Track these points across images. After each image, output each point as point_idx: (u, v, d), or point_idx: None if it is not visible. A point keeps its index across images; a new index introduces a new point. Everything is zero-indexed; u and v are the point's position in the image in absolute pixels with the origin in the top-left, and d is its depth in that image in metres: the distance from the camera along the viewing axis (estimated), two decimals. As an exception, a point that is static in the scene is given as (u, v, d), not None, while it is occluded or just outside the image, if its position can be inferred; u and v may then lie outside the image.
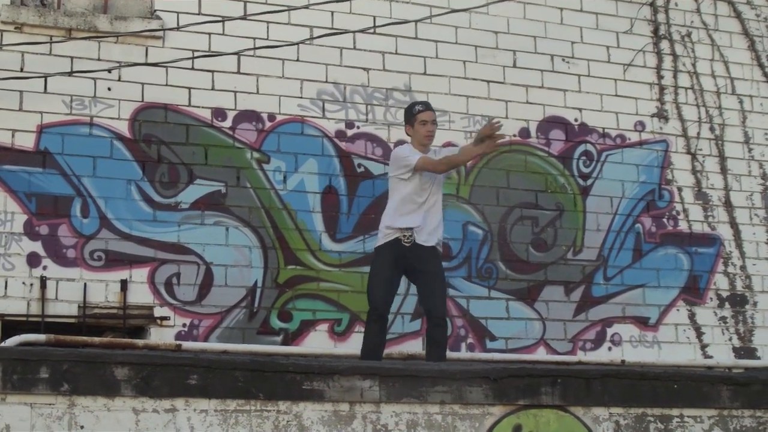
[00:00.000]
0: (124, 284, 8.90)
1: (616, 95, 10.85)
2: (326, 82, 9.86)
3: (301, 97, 9.75)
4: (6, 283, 8.68)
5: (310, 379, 6.80)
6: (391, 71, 10.10)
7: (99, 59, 9.21)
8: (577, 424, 7.30)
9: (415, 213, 8.34)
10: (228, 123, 9.48)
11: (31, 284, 8.70)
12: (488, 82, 10.39)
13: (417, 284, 8.55)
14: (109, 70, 9.18)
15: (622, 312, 10.33)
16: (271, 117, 9.62)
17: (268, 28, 9.73)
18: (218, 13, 9.54)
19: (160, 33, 9.39)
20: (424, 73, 10.18)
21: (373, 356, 8.20)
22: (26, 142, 8.90)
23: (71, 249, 8.85)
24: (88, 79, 9.12)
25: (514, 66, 10.52)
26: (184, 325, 9.03)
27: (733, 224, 10.94)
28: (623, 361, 9.84)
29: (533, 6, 10.69)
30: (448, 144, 9.83)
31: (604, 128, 10.71)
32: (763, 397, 7.83)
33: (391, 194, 8.55)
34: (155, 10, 9.47)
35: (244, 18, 9.57)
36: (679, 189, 10.84)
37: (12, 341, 7.95)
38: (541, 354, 9.89)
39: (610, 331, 10.25)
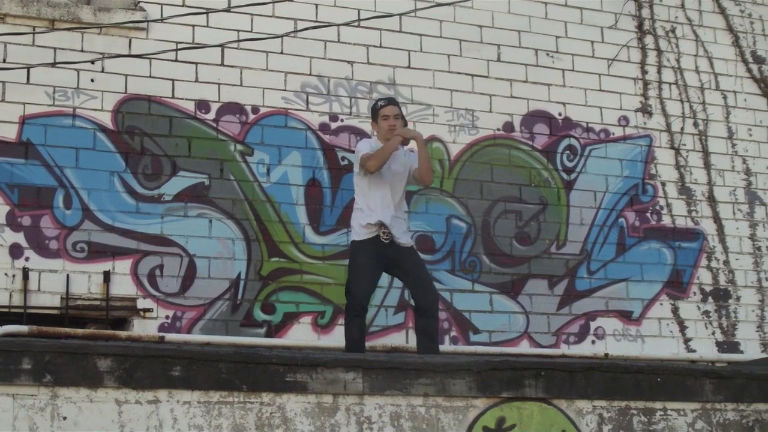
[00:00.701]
0: (107, 276, 8.86)
1: (600, 90, 10.86)
2: (310, 74, 9.85)
3: (285, 90, 9.74)
4: (-12, 274, 8.67)
5: (293, 371, 6.78)
6: (375, 64, 10.08)
7: (82, 50, 9.17)
8: (561, 416, 7.30)
9: (383, 209, 8.34)
10: (211, 115, 9.46)
11: (14, 275, 8.66)
12: (472, 75, 10.39)
13: (404, 281, 8.57)
14: (93, 62, 9.15)
15: (605, 306, 10.34)
16: (255, 109, 9.60)
17: (252, 20, 9.71)
18: (202, 5, 9.50)
19: (144, 24, 9.36)
20: (408, 67, 10.17)
21: (358, 350, 8.20)
22: (9, 133, 8.86)
23: (54, 240, 8.81)
24: (71, 70, 9.09)
25: (499, 60, 10.52)
26: (167, 317, 9.00)
27: (717, 219, 10.96)
28: (607, 355, 9.85)
29: (518, 0, 10.68)
30: (432, 137, 9.87)
31: (588, 123, 10.72)
32: (746, 391, 7.84)
33: (356, 191, 8.52)
34: (139, 2, 9.44)
35: (227, 10, 9.55)
36: (663, 184, 10.86)
37: (-6, 332, 7.94)
38: (524, 347, 9.89)
39: (593, 325, 10.26)
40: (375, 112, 8.59)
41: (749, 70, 11.53)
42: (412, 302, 8.64)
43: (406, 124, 8.76)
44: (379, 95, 9.88)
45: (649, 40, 11.16)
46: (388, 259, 8.33)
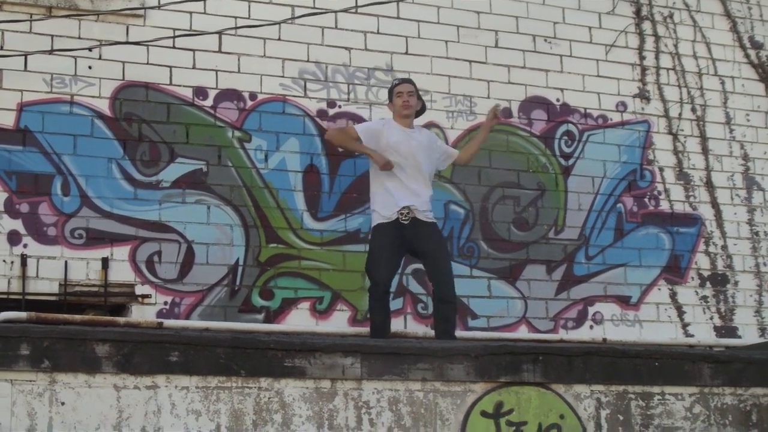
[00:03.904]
0: (105, 262, 8.87)
1: (598, 76, 10.84)
2: (308, 61, 9.84)
3: (282, 77, 9.72)
4: (-14, 260, 8.67)
5: (291, 356, 6.80)
6: (373, 51, 10.07)
7: (79, 37, 9.15)
8: (559, 401, 7.32)
9: (403, 190, 8.44)
10: (209, 102, 9.45)
11: (12, 262, 8.66)
12: (470, 62, 10.38)
13: (423, 264, 8.68)
14: (90, 49, 9.12)
15: (603, 291, 10.34)
16: (253, 96, 9.59)
17: (249, 6, 9.70)
18: (200, -8, 9.51)
19: (141, 11, 9.34)
20: (406, 53, 10.16)
21: (382, 334, 8.28)
22: (6, 120, 8.85)
23: (52, 227, 8.81)
24: (68, 57, 9.07)
25: (496, 46, 10.51)
26: (165, 303, 9.00)
27: (715, 204, 10.95)
28: (605, 340, 9.86)
29: (515, -14, 10.70)
30: (430, 123, 9.87)
31: (585, 108, 10.71)
32: (744, 375, 7.86)
33: (372, 175, 8.71)
34: (136, -12, 9.44)
35: (225, -4, 9.57)
36: (661, 169, 10.85)
37: (-8, 319, 7.93)
38: (522, 332, 9.89)
39: (591, 310, 10.26)
40: (390, 92, 8.81)
41: (747, 56, 11.52)
42: (430, 284, 8.73)
43: (423, 103, 8.94)
44: (377, 81, 9.91)
45: (646, 25, 11.15)
46: (410, 242, 8.44)
